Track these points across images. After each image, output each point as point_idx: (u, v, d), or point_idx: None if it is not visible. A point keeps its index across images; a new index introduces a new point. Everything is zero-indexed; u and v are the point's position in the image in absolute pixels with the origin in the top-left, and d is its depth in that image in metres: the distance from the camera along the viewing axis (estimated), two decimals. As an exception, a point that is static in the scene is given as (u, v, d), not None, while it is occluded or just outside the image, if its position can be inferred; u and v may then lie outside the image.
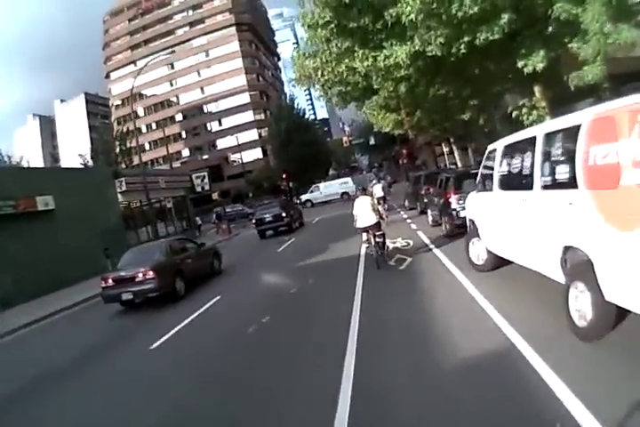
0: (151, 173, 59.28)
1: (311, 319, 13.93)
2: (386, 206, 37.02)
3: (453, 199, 21.31)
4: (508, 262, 13.06)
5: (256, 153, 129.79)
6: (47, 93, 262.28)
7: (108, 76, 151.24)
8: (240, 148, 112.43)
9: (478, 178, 14.34)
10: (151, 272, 20.21)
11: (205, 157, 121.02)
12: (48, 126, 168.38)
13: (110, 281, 20.98)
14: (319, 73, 22.45)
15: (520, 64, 19.81)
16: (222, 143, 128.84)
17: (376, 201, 22.32)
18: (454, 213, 21.11)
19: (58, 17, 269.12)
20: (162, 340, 15.11)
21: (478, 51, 20.27)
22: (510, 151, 11.50)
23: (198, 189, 64.21)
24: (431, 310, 12.29)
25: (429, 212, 27.37)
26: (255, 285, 21.58)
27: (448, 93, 29.59)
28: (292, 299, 17.22)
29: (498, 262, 13.86)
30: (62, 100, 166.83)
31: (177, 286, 21.47)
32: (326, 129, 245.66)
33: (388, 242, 20.72)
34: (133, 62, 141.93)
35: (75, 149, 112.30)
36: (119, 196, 46.43)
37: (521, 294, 11.73)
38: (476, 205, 14.65)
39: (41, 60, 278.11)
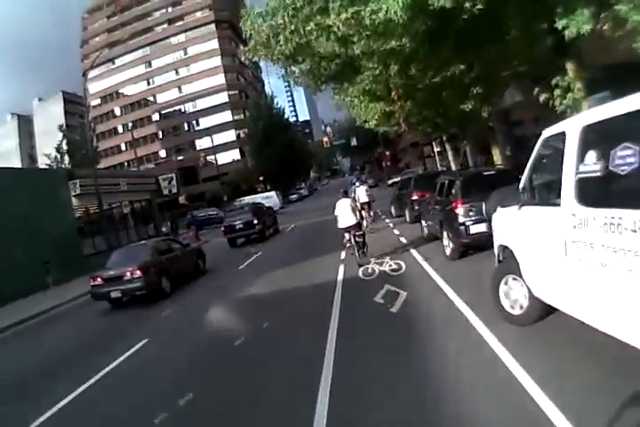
0: (110, 174, 55.30)
1: (253, 409, 8.76)
2: (371, 213, 33.53)
3: (461, 210, 16.53)
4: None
5: (234, 154, 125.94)
6: (27, 92, 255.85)
7: (85, 75, 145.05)
8: (217, 149, 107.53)
9: (522, 184, 9.13)
10: (138, 271, 20.99)
11: (180, 157, 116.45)
12: (26, 126, 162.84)
13: (99, 280, 21.72)
14: (280, 37, 16.38)
15: (560, 24, 14.27)
16: (200, 144, 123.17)
17: (359, 206, 24.57)
18: (462, 228, 16.43)
19: (37, 15, 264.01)
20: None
21: (501, 2, 15.06)
22: (604, 135, 6.43)
23: (165, 191, 60.34)
24: (443, 399, 7.63)
25: (424, 223, 22.74)
26: (193, 326, 16.24)
27: (447, 80, 24.86)
28: (231, 360, 11.82)
29: (544, 312, 9.26)
30: (40, 99, 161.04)
31: (163, 285, 22.32)
32: (308, 131, 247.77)
33: (372, 263, 18.94)
34: (111, 60, 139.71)
35: (52, 149, 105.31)
36: (73, 200, 41.49)
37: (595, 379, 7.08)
38: (515, 227, 9.60)
39: (21, 58, 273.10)
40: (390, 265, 18.28)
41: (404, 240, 23.87)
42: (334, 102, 29.23)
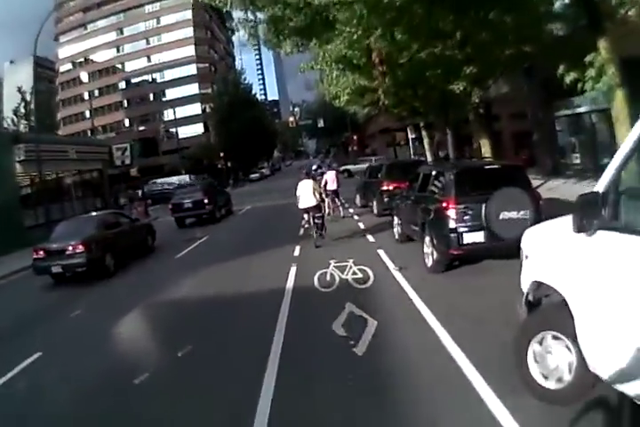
0: (58, 140, 51.56)
1: None
2: (342, 200, 31.50)
3: (453, 213, 12.93)
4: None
5: (198, 128, 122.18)
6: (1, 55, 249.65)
7: (57, 39, 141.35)
8: (181, 122, 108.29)
9: (602, 192, 5.39)
10: (81, 246, 19.84)
11: (142, 128, 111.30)
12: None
13: (42, 253, 20.51)
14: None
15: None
16: (166, 115, 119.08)
17: (323, 191, 24.90)
18: (453, 236, 12.93)
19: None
20: None
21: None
22: None
23: (117, 162, 56.59)
24: None
25: (396, 220, 19.11)
26: (92, 344, 12.14)
27: (433, 56, 22.18)
28: (124, 406, 8.32)
29: (593, 388, 6.02)
30: (12, 62, 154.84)
31: (107, 262, 21.04)
32: (276, 111, 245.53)
33: (331, 267, 15.58)
34: (83, 26, 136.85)
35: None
36: (17, 166, 37.61)
37: None
38: (575, 261, 5.81)
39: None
40: (354, 272, 14.70)
41: (370, 238, 20.63)
42: (301, 71, 24.95)
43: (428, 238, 14.10)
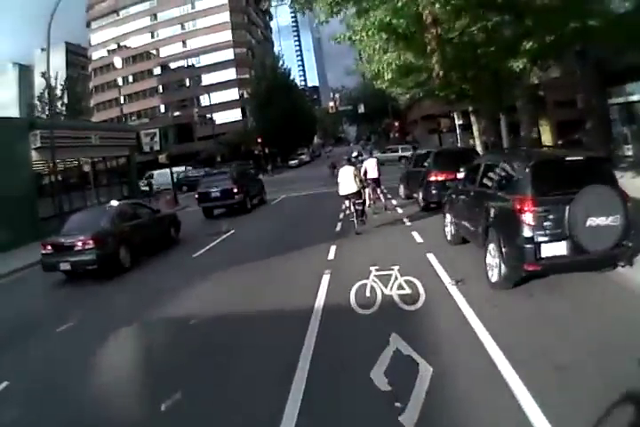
0: (77, 126, 48.90)
1: None
2: (384, 190, 28.47)
3: (530, 217, 10.00)
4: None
5: (236, 114, 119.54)
6: (31, 42, 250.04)
7: (89, 25, 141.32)
8: (218, 107, 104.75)
9: None
10: (91, 241, 18.32)
11: (177, 113, 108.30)
12: (27, 75, 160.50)
13: (49, 248, 19.02)
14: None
15: None
16: (202, 101, 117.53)
17: (364, 178, 23.68)
18: (530, 247, 10.02)
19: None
20: None
21: None
22: None
23: (146, 148, 53.52)
24: None
25: (449, 218, 16.19)
26: (66, 380, 9.53)
27: (487, 30, 19.66)
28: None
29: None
30: (43, 49, 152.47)
31: (121, 257, 19.35)
32: (315, 97, 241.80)
33: (371, 278, 12.88)
34: (116, 12, 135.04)
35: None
36: (33, 153, 35.33)
37: None
38: None
39: (28, 6, 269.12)
40: (400, 286, 11.95)
41: (417, 237, 17.81)
42: (337, 41, 21.73)
43: (492, 246, 11.23)
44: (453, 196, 15.98)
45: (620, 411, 5.79)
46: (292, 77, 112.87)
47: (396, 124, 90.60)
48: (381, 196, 27.20)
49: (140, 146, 52.98)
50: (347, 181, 20.63)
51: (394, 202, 27.49)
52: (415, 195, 25.78)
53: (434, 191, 21.99)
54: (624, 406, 5.92)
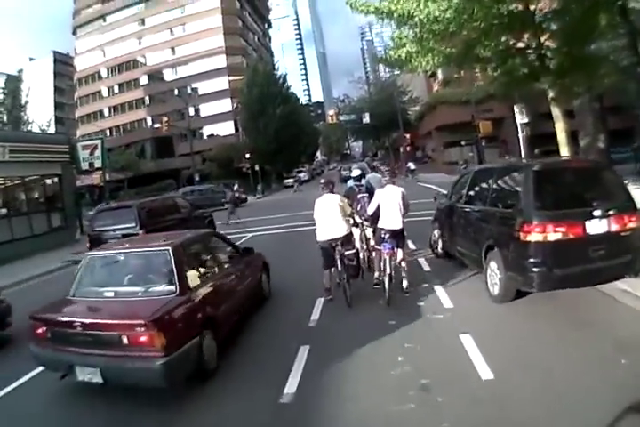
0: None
1: None
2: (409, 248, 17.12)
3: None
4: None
5: (228, 127, 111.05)
6: (17, 51, 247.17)
7: (75, 33, 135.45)
8: (207, 119, 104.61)
9: None
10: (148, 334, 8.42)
11: (157, 125, 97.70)
12: (14, 86, 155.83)
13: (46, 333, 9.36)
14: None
15: None
16: (191, 113, 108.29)
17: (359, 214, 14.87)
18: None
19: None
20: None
21: None
22: None
23: (84, 166, 42.71)
24: None
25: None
26: None
27: None
28: None
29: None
30: (31, 59, 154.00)
31: (206, 357, 9.41)
32: (320, 112, 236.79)
33: None
34: (102, 17, 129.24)
35: (38, 111, 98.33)
36: None
37: None
38: None
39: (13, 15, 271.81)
40: None
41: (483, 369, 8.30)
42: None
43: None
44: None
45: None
46: (287, 84, 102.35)
47: (407, 136, 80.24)
48: (404, 263, 13.32)
49: (75, 162, 40.93)
50: (330, 217, 13.01)
51: (421, 262, 15.40)
52: (465, 254, 13.59)
53: (538, 269, 10.02)
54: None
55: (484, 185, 13.17)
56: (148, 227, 19.64)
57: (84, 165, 42.81)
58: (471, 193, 13.85)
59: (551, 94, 18.84)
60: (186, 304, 9.43)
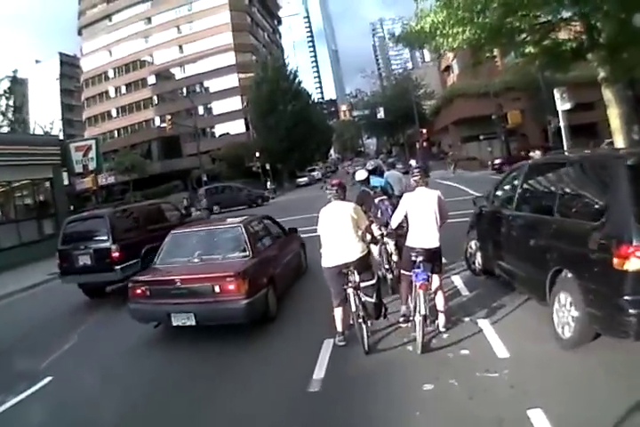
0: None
1: None
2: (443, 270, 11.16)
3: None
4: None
5: (238, 125, 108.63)
6: (23, 53, 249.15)
7: (80, 33, 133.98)
8: (217, 118, 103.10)
9: None
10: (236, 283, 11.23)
11: (163, 125, 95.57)
12: (20, 88, 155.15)
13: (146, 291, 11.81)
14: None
15: None
16: (201, 111, 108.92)
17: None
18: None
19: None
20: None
21: None
22: None
23: (78, 168, 40.49)
24: None
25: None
26: None
27: None
28: None
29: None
30: (37, 61, 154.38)
31: (270, 305, 12.26)
32: (333, 110, 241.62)
33: None
34: (108, 17, 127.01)
35: (45, 114, 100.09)
36: None
37: None
38: None
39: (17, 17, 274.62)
40: None
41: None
42: None
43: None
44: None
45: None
46: (298, 79, 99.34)
47: (424, 131, 77.64)
48: (441, 294, 9.82)
49: (67, 164, 38.57)
50: (337, 234, 9.62)
51: (463, 288, 12.41)
52: (513, 278, 10.72)
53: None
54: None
55: (547, 185, 9.84)
56: (125, 241, 16.69)
57: (78, 168, 40.86)
58: (527, 195, 10.33)
59: (602, 74, 15.91)
60: (258, 264, 12.26)
